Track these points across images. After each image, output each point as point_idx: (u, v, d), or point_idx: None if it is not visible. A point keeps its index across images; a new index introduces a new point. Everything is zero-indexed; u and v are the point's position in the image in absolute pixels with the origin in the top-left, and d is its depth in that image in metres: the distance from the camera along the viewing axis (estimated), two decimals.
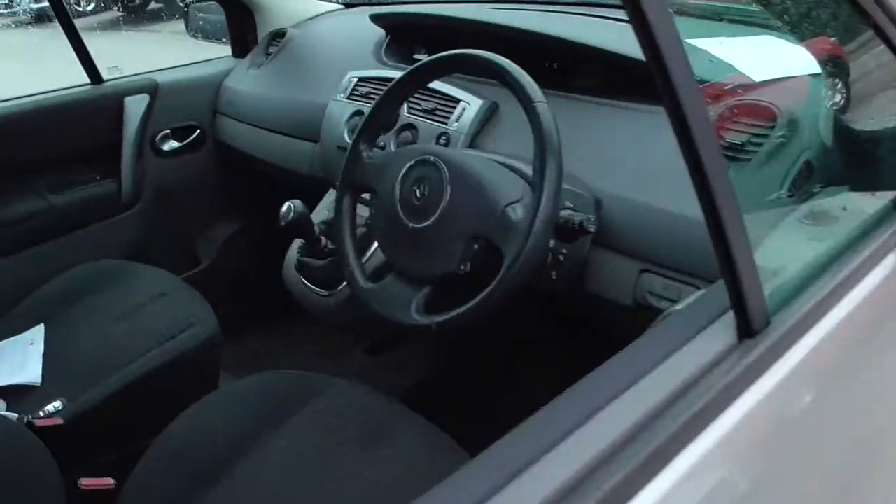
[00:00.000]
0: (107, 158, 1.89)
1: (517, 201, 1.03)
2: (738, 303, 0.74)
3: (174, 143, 2.00)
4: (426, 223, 1.08)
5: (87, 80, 1.86)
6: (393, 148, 1.41)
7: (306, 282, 1.47)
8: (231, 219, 2.16)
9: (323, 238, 1.41)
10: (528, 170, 1.11)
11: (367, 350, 1.75)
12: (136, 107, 1.90)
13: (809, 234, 0.99)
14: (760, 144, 1.12)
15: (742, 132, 1.15)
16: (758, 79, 1.22)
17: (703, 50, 1.23)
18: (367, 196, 1.23)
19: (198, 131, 2.03)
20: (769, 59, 1.28)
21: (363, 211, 1.41)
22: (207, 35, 2.17)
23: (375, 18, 1.72)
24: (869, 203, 1.13)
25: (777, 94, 1.15)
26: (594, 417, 0.65)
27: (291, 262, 1.52)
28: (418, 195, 1.09)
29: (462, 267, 1.05)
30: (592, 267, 1.20)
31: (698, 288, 1.11)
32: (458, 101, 1.40)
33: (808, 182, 1.08)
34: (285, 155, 1.81)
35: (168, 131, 1.98)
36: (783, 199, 1.06)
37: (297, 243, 1.54)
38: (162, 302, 1.54)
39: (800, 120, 1.13)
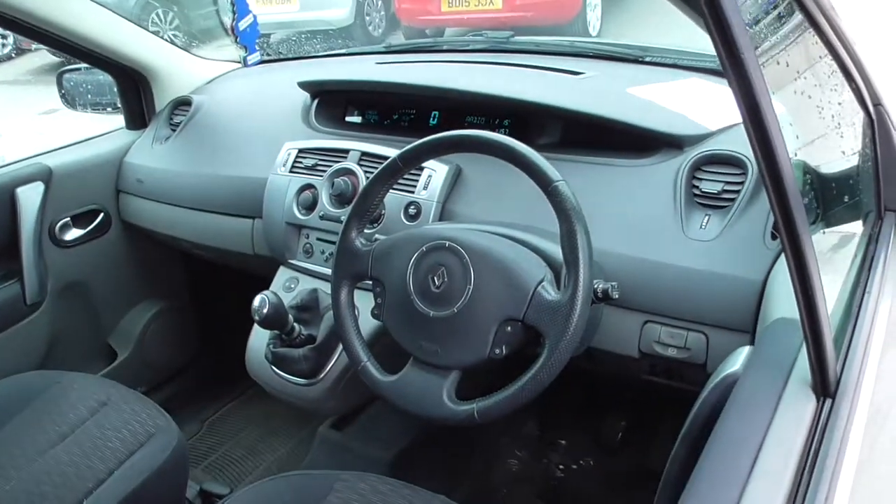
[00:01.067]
0: (3, 258, 1.68)
1: (543, 279, 1.03)
2: (820, 366, 0.79)
3: (76, 232, 1.82)
4: (450, 311, 1.05)
5: None
6: None
7: (284, 374, 1.38)
8: (146, 304, 2.00)
9: (297, 326, 1.34)
10: (540, 243, 1.12)
11: (335, 425, 1.67)
12: (29, 197, 1.71)
13: None
14: (737, 192, 1.20)
15: (715, 181, 1.22)
16: (714, 126, 1.31)
17: None
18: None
19: (101, 215, 1.85)
20: (716, 104, 1.37)
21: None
22: (95, 105, 1.98)
23: (305, 86, 1.65)
24: (834, 238, 1.24)
25: (741, 141, 1.22)
26: None
27: (258, 352, 1.43)
28: (437, 283, 1.06)
29: (497, 351, 1.04)
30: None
31: (702, 333, 1.18)
32: (422, 168, 1.38)
33: None
34: (218, 235, 1.70)
35: (68, 219, 1.80)
36: (769, 246, 1.14)
37: (260, 332, 1.44)
38: (106, 413, 1.40)
39: None
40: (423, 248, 1.08)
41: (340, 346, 1.30)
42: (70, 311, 1.82)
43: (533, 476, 1.79)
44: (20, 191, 1.69)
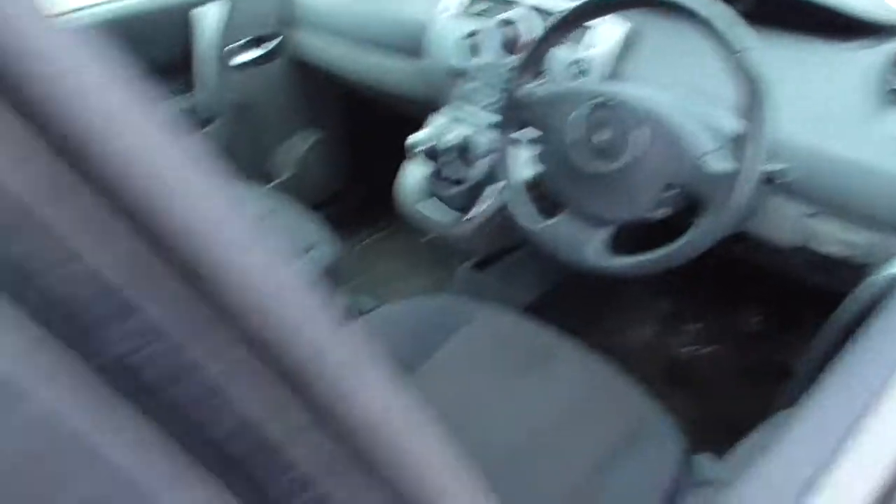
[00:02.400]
0: (178, 74, 1.79)
1: (712, 151, 1.00)
2: None
3: (247, 55, 1.89)
4: (611, 167, 1.04)
5: None
6: None
7: (435, 210, 1.44)
8: (304, 133, 2.09)
9: (450, 167, 1.38)
10: (713, 112, 1.07)
11: (476, 265, 1.72)
12: (207, 18, 1.79)
13: None
14: None
15: None
16: None
17: None
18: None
19: (273, 42, 1.92)
20: None
21: None
22: None
23: None
24: None
25: None
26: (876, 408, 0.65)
27: (412, 186, 1.48)
28: (599, 139, 1.05)
29: (654, 213, 1.04)
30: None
31: (871, 234, 1.10)
32: (594, 23, 1.32)
33: None
34: (380, 74, 1.73)
35: (241, 43, 1.87)
36: None
37: (413, 168, 1.49)
38: (271, 221, 1.50)
39: None
40: (590, 104, 1.07)
41: (494, 189, 1.34)
42: (235, 132, 1.92)
43: (659, 352, 1.81)
44: (197, 11, 1.77)
